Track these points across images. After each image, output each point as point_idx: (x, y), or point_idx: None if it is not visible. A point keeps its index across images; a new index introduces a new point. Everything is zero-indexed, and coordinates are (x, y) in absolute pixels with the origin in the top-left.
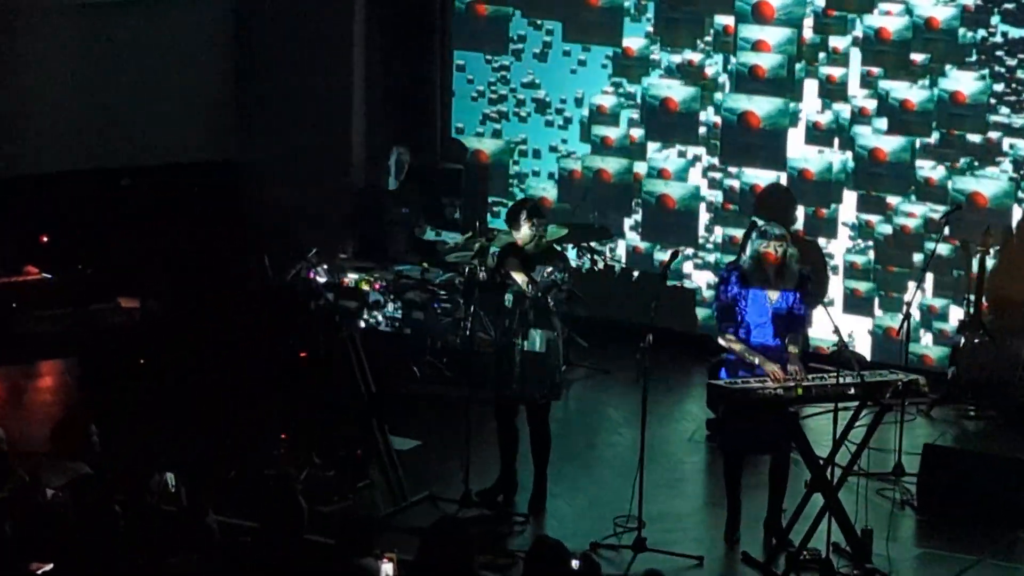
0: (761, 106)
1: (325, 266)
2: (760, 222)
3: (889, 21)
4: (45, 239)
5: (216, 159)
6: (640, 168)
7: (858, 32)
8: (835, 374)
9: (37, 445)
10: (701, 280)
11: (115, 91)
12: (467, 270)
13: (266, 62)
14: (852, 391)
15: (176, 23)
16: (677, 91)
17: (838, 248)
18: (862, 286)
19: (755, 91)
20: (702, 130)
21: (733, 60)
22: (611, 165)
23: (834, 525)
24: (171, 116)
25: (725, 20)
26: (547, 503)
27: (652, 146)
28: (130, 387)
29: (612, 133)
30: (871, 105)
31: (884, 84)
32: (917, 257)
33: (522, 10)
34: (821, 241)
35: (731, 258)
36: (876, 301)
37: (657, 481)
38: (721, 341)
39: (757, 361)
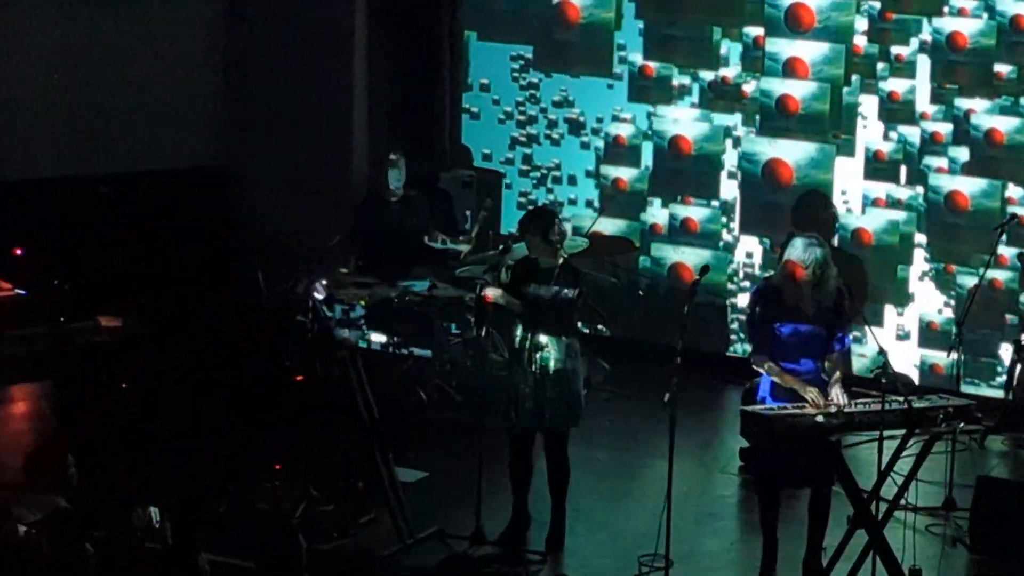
0: (791, 152)
1: (324, 281)
2: (798, 239)
3: (963, 24)
4: (18, 252)
5: (205, 165)
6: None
7: (926, 36)
8: (880, 399)
9: (9, 477)
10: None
11: (96, 92)
12: (479, 286)
13: (260, 60)
14: (899, 418)
15: (162, 18)
16: (689, 127)
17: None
18: (941, 359)
19: (784, 131)
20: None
21: (754, 84)
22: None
23: (879, 565)
24: (156, 118)
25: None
26: (567, 540)
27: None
28: (111, 413)
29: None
30: (944, 129)
31: (960, 102)
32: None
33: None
34: None
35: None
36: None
37: (686, 516)
38: (753, 363)
39: (794, 386)
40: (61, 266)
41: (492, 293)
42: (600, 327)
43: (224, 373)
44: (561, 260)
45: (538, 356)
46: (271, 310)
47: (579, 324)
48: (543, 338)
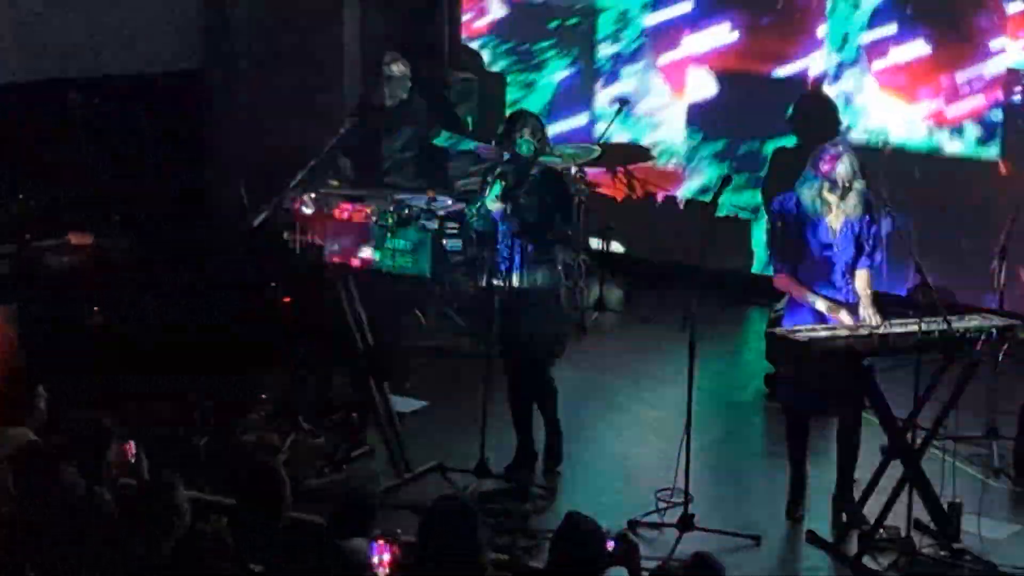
0: None
1: (312, 195)
2: (824, 147)
3: None
4: None
5: (183, 69)
6: None
7: None
8: (917, 320)
9: None
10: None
11: None
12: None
13: None
14: (937, 340)
15: None
16: None
17: None
18: None
19: None
20: None
21: None
22: None
23: (916, 498)
24: (130, 18)
25: None
26: (577, 474)
27: None
28: (83, 340)
29: None
30: None
31: None
32: None
33: None
34: None
35: None
36: None
37: (707, 448)
38: (776, 282)
39: (821, 306)
40: (27, 180)
41: (493, 205)
42: (613, 243)
43: (204, 296)
44: (559, 164)
45: (524, 274)
46: (255, 227)
47: (591, 240)
48: (530, 253)
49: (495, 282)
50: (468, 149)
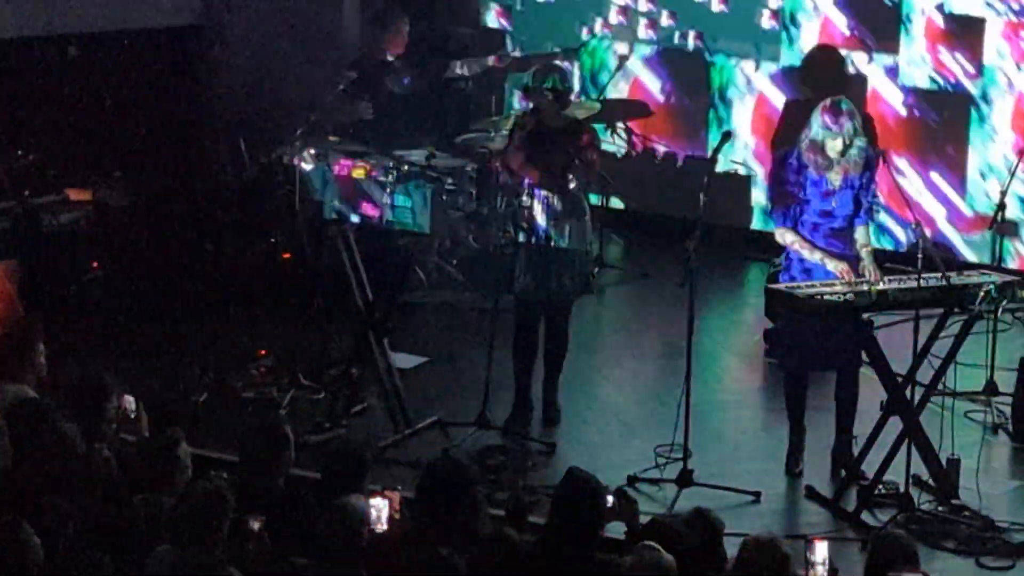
0: None
1: (312, 151)
2: (827, 103)
3: None
4: None
5: (182, 23)
6: None
7: None
8: (916, 275)
9: None
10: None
11: None
12: (479, 155)
13: None
14: (936, 295)
15: None
16: None
17: None
18: None
19: None
20: None
21: None
22: None
23: (914, 454)
24: None
25: None
26: (576, 429)
27: None
28: (82, 295)
29: None
30: None
31: None
32: None
33: None
34: None
35: None
36: None
37: (706, 404)
38: (777, 236)
39: (820, 259)
40: (25, 135)
41: (514, 160)
42: (613, 198)
43: (204, 251)
44: (576, 118)
45: (551, 224)
46: (255, 182)
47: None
48: (555, 205)
49: (519, 236)
50: None
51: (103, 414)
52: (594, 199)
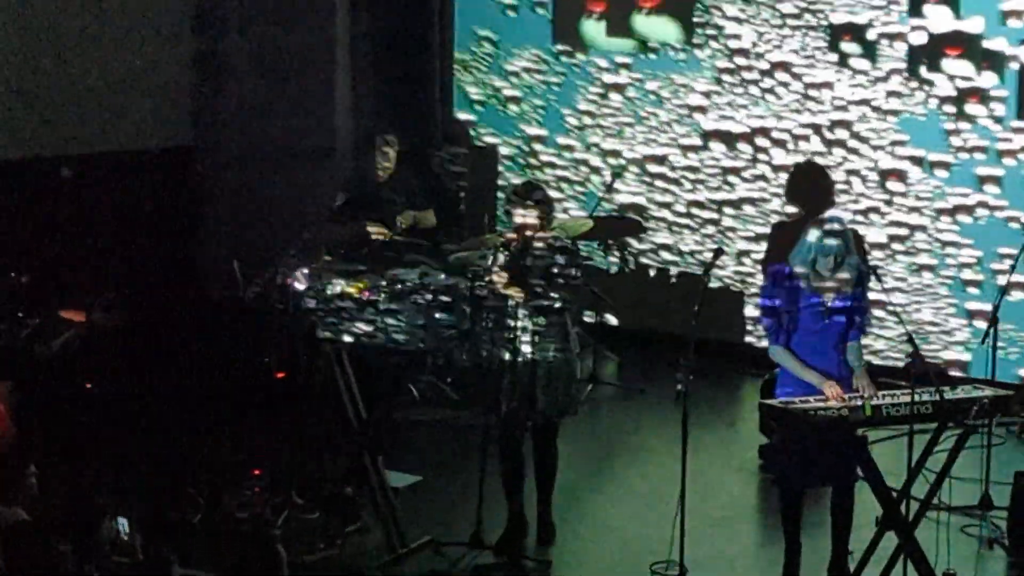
0: None
1: (305, 270)
2: (819, 221)
3: None
4: None
5: (175, 145)
6: None
7: None
8: (909, 391)
9: None
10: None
11: (57, 68)
12: (472, 273)
13: (232, 26)
14: (930, 410)
15: None
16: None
17: None
18: None
19: None
20: None
21: None
22: None
23: (911, 569)
24: (121, 95)
25: None
26: (572, 546)
27: None
28: (75, 417)
29: None
30: None
31: None
32: None
33: None
34: None
35: None
36: None
37: (701, 519)
38: (770, 354)
39: (813, 380)
40: (19, 256)
41: (498, 279)
42: (607, 316)
43: (198, 371)
44: (555, 237)
45: (535, 343)
46: (248, 302)
47: (584, 312)
48: (541, 322)
49: (504, 354)
50: None
51: (96, 536)
52: (588, 316)
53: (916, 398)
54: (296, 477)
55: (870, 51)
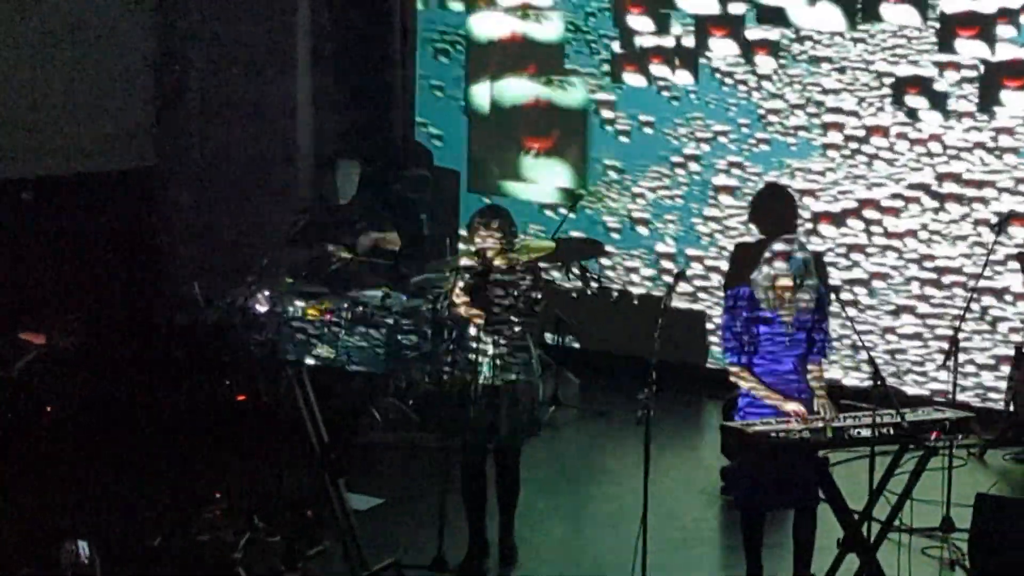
0: None
1: (267, 292)
2: (778, 244)
3: None
4: None
5: (136, 167)
6: None
7: None
8: (871, 412)
9: None
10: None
11: (16, 91)
12: (434, 296)
13: (191, 47)
14: (891, 432)
15: (88, 12)
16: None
17: None
18: None
19: None
20: None
21: None
22: None
23: None
24: (82, 117)
25: None
26: (533, 568)
27: None
28: (35, 439)
29: None
30: None
31: None
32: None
33: None
34: None
35: None
36: None
37: (663, 542)
38: (731, 376)
39: (775, 401)
40: None
41: (459, 302)
42: (569, 338)
43: (159, 393)
44: (519, 260)
45: (496, 366)
46: (209, 324)
47: (545, 334)
48: (502, 347)
49: (466, 377)
50: None
51: (56, 559)
52: (550, 338)
53: (877, 419)
54: (257, 500)
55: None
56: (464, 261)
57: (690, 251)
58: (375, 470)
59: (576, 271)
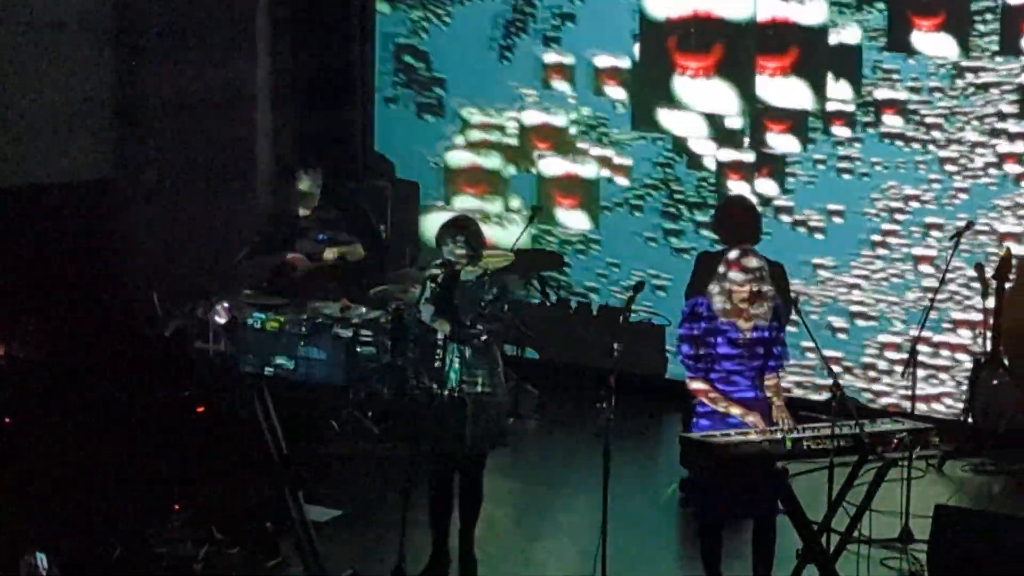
0: None
1: (226, 304)
2: (734, 253)
3: None
4: None
5: (95, 178)
6: None
7: None
8: (830, 423)
9: None
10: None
11: None
12: (393, 307)
13: (152, 58)
14: (850, 443)
15: (41, 10)
16: None
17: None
18: None
19: None
20: None
21: None
22: None
23: None
24: (36, 125)
25: None
26: None
27: None
28: None
29: None
30: None
31: None
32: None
33: None
34: None
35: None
36: None
37: (622, 553)
38: (690, 386)
39: (734, 411)
40: None
41: (426, 311)
42: (527, 349)
43: (117, 405)
44: (485, 271)
45: (463, 377)
46: (168, 335)
47: (505, 346)
48: (468, 357)
49: (432, 387)
50: None
51: (15, 571)
52: (509, 350)
53: (836, 431)
54: (217, 511)
55: None
56: (432, 271)
57: None
58: (334, 481)
59: (536, 283)
